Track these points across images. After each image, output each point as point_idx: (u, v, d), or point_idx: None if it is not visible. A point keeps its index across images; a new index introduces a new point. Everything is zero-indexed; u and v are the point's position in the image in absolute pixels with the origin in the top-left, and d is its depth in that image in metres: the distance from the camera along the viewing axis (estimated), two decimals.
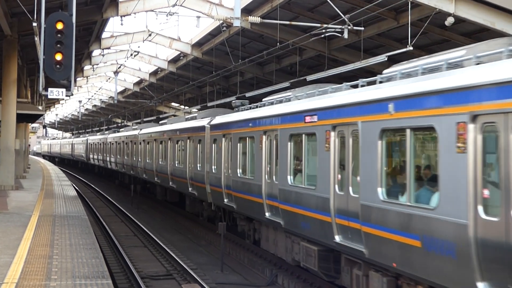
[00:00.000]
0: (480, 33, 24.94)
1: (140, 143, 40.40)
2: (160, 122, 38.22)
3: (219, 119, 24.10)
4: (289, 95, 18.80)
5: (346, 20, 22.71)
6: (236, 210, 21.47)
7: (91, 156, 68.33)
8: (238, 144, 21.24)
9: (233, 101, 24.62)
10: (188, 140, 28.68)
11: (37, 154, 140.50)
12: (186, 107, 62.36)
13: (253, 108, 21.93)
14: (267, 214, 18.26)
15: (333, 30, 23.90)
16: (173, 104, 67.82)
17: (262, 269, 19.59)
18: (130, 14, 29.30)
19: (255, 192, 19.19)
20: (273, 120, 18.07)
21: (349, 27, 22.98)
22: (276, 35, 28.02)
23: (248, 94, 34.47)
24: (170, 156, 32.22)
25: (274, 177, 17.84)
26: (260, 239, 19.94)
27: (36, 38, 18.96)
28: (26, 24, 26.08)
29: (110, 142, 55.07)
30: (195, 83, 44.82)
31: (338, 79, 38.05)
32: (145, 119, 66.51)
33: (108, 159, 56.24)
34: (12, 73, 28.10)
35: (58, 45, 14.30)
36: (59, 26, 14.30)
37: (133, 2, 29.22)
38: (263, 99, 21.05)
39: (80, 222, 17.97)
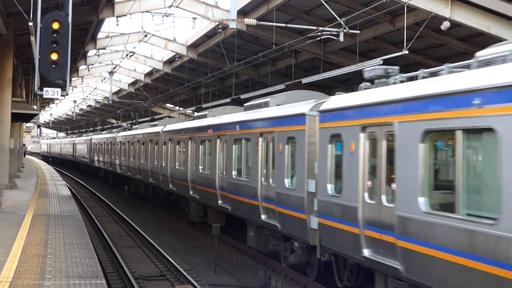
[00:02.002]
0: (475, 38, 25.05)
1: (165, 143, 32.35)
2: (197, 115, 28.86)
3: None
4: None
5: (342, 23, 22.78)
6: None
7: (95, 158, 59.94)
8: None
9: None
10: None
11: (32, 154, 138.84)
12: (180, 108, 62.37)
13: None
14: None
15: (329, 33, 23.97)
16: (168, 105, 67.82)
17: (255, 271, 19.60)
18: (126, 15, 29.34)
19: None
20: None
21: (345, 30, 23.06)
22: (272, 37, 28.08)
23: (243, 96, 34.54)
24: (221, 162, 23.00)
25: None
26: None
27: (32, 38, 18.96)
28: (22, 24, 26.06)
29: (120, 142, 46.43)
30: (190, 84, 44.85)
31: (333, 82, 38.27)
32: (155, 117, 64.44)
33: (117, 162, 47.34)
34: (7, 72, 28.09)
35: (54, 45, 14.32)
36: (55, 26, 14.32)
37: (129, 3, 29.24)
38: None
39: (74, 222, 17.96)
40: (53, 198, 25.03)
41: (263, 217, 18.54)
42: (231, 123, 21.88)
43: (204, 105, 43.25)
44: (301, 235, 16.06)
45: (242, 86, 44.66)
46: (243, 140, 20.68)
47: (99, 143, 57.56)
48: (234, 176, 21.31)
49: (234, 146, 21.39)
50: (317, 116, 15.21)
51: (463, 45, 26.10)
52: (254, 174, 19.38)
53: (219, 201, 22.79)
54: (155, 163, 34.01)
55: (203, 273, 19.40)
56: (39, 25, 14.62)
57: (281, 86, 30.61)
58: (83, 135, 78.03)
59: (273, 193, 17.77)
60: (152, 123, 40.08)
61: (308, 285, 16.91)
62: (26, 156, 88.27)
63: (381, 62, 22.66)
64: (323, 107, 14.93)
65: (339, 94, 15.10)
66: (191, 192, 26.64)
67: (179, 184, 28.80)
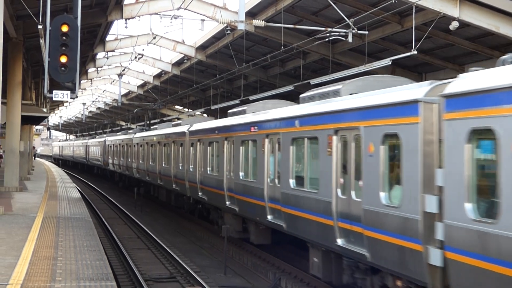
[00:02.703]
0: (484, 37, 24.97)
1: (192, 145, 28.45)
2: (232, 111, 24.58)
3: None
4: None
5: (350, 24, 22.75)
6: None
7: (110, 161, 56.25)
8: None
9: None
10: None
11: (42, 156, 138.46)
12: (189, 110, 62.42)
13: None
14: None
15: (337, 33, 23.95)
16: (177, 107, 67.90)
17: (265, 273, 19.60)
18: (134, 17, 29.39)
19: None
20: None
21: (353, 31, 23.02)
22: (280, 38, 28.09)
23: (252, 97, 34.52)
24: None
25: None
26: None
27: (41, 41, 18.99)
28: (31, 27, 26.16)
29: (137, 144, 42.71)
30: (199, 86, 44.88)
31: None
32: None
33: (134, 165, 43.61)
34: (17, 75, 28.18)
35: (63, 48, 14.37)
36: (64, 28, 14.37)
37: (138, 5, 29.31)
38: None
39: (84, 224, 18.00)
40: (63, 201, 25.10)
41: (339, 241, 14.15)
42: (286, 119, 17.66)
43: (213, 107, 43.27)
44: (408, 272, 11.69)
45: (250, 88, 44.66)
46: (305, 139, 16.47)
47: (113, 145, 53.94)
48: (292, 186, 17.07)
49: (291, 147, 17.24)
50: (439, 103, 11.00)
51: (472, 45, 26.02)
52: (325, 183, 14.89)
53: (268, 216, 18.75)
54: (180, 168, 30.31)
55: (213, 274, 19.41)
56: (48, 28, 14.68)
57: (290, 87, 30.62)
58: (97, 136, 74.04)
59: (359, 210, 13.30)
60: (174, 123, 35.74)
61: (318, 286, 16.89)
62: (36, 158, 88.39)
63: (390, 63, 22.65)
64: (452, 89, 10.49)
65: (475, 70, 10.71)
66: (227, 202, 22.67)
67: (211, 192, 24.89)
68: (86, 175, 76.87)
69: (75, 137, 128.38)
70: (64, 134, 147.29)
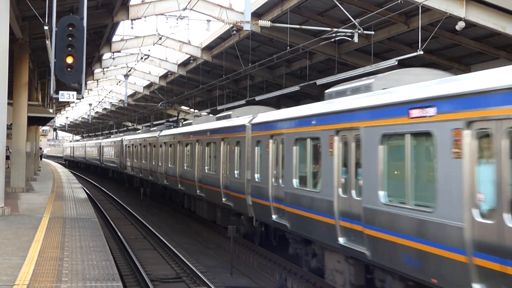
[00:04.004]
0: (491, 37, 24.92)
1: (259, 143, 20.21)
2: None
3: None
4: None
5: (356, 24, 22.74)
6: None
7: (128, 163, 49.20)
8: None
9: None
10: None
11: (49, 157, 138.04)
12: (196, 111, 62.49)
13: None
14: None
15: (343, 34, 23.94)
16: (183, 107, 68.00)
17: (271, 273, 19.59)
18: (140, 18, 29.46)
19: None
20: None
21: (359, 31, 23.01)
22: (286, 39, 28.08)
23: (258, 98, 34.55)
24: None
25: None
26: None
27: (47, 42, 19.04)
28: (37, 28, 26.21)
29: (165, 144, 35.68)
30: (205, 86, 44.92)
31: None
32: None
33: (161, 170, 36.58)
34: (23, 76, 28.23)
35: (69, 49, 14.40)
36: (70, 29, 14.40)
37: (144, 6, 29.36)
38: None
39: (90, 225, 18.01)
40: (69, 201, 25.13)
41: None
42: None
43: (219, 107, 43.31)
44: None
45: (256, 88, 44.67)
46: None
47: (133, 145, 47.00)
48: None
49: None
50: None
51: (478, 45, 25.98)
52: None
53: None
54: (236, 176, 22.50)
55: (219, 275, 19.41)
56: (54, 29, 14.71)
57: (296, 88, 30.62)
58: (111, 136, 67.61)
59: None
60: (219, 115, 27.49)
61: (324, 286, 16.86)
62: (43, 159, 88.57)
63: (396, 63, 22.63)
64: None
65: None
66: (340, 237, 14.42)
67: (307, 220, 16.18)
68: (101, 179, 68.42)
69: (81, 137, 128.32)
70: (70, 134, 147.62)
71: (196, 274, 18.46)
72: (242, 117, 23.17)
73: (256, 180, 20.40)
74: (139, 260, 20.90)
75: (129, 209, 36.49)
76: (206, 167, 26.80)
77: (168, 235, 27.18)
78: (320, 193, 15.29)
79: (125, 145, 50.93)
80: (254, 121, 20.93)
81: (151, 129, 46.23)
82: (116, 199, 43.39)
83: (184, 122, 35.21)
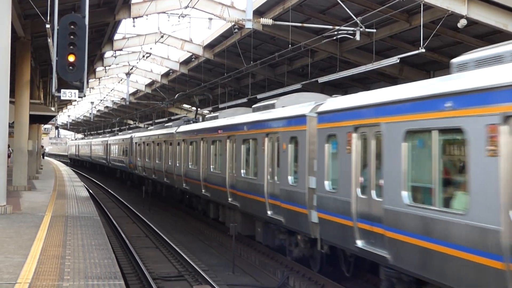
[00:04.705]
0: (493, 35, 24.90)
1: (329, 139, 15.57)
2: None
3: None
4: None
5: (358, 22, 22.73)
6: None
7: (138, 163, 44.84)
8: None
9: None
10: None
11: (51, 155, 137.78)
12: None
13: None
14: None
15: (345, 32, 23.92)
16: (185, 105, 67.98)
17: (273, 271, 19.59)
18: (142, 16, 29.44)
19: None
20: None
21: (361, 29, 23.01)
22: (288, 37, 28.08)
23: (259, 96, 34.54)
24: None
25: None
26: None
27: (49, 40, 19.05)
28: (39, 26, 26.20)
29: (184, 141, 31.19)
30: (207, 84, 44.91)
31: (350, 81, 38.16)
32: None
33: (179, 171, 31.88)
34: (25, 74, 28.23)
35: (71, 47, 14.43)
36: (72, 27, 14.41)
37: (145, 4, 29.35)
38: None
39: (92, 223, 18.01)
40: (71, 199, 25.14)
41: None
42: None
43: (220, 105, 43.28)
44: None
45: (258, 86, 44.66)
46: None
47: (144, 143, 42.65)
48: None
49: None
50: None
51: (480, 43, 25.94)
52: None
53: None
54: (278, 181, 18.75)
55: (221, 273, 19.42)
56: (56, 27, 14.74)
57: (298, 86, 30.59)
58: (119, 133, 62.20)
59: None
60: (257, 105, 22.52)
61: (326, 285, 16.87)
62: (45, 157, 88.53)
63: (398, 61, 22.61)
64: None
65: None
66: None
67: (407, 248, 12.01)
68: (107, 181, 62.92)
69: (83, 136, 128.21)
70: (72, 133, 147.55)
71: (198, 272, 18.46)
72: (294, 106, 18.52)
73: (327, 189, 15.45)
74: (141, 258, 20.91)
75: (131, 207, 36.51)
76: (242, 170, 21.96)
77: (170, 233, 27.19)
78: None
79: (135, 143, 46.49)
80: (321, 108, 15.97)
81: (166, 124, 40.72)
82: (118, 197, 43.38)
83: (207, 116, 30.51)
